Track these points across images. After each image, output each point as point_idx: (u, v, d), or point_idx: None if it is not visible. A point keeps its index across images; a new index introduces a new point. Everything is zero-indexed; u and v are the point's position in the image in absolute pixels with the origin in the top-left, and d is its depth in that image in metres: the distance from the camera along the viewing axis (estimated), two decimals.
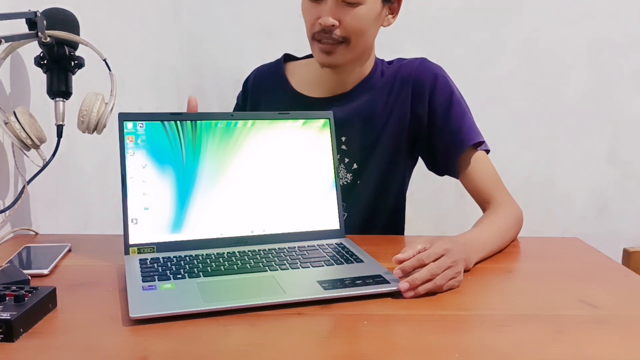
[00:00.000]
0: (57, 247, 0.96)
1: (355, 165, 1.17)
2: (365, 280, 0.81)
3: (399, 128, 1.16)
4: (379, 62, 1.20)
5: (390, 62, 1.21)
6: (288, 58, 1.27)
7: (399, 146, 1.17)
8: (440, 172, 1.19)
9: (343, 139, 1.16)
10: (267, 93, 1.23)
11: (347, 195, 1.17)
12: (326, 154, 1.01)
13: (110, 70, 0.99)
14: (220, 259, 0.87)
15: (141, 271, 0.82)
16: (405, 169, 1.21)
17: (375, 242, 1.03)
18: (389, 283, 0.80)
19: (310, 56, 1.23)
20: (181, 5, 1.99)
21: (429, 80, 1.14)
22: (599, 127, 2.10)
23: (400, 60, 1.20)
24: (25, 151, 1.01)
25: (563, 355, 0.65)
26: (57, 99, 1.02)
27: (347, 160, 1.17)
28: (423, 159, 1.22)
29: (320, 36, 1.08)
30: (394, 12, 1.14)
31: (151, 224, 0.90)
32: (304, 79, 1.20)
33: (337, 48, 1.09)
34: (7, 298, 0.69)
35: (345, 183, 1.17)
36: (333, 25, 1.06)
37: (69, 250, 0.97)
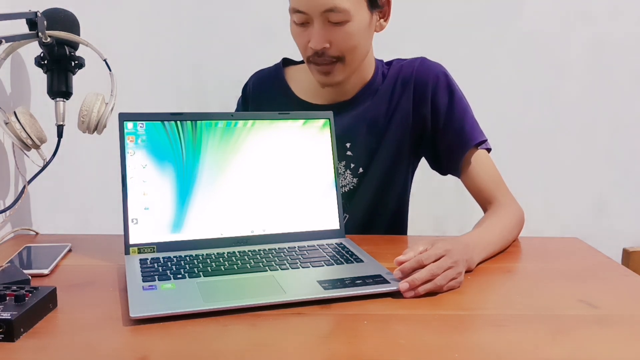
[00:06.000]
0: (58, 247, 0.96)
1: (361, 170, 1.17)
2: (365, 280, 0.81)
3: (402, 129, 1.15)
4: (379, 64, 1.19)
5: (389, 63, 1.20)
6: (287, 62, 1.26)
7: (402, 147, 1.16)
8: (443, 172, 1.19)
9: (348, 145, 1.16)
10: (269, 100, 1.22)
11: (351, 197, 1.17)
12: (326, 153, 1.01)
13: (110, 70, 0.99)
14: (221, 259, 0.87)
15: (141, 271, 0.82)
16: (408, 168, 1.20)
17: (375, 242, 1.03)
18: (389, 283, 0.80)
19: None
20: (181, 5, 1.99)
21: (430, 80, 1.14)
22: (599, 127, 2.10)
23: (399, 60, 1.19)
24: (25, 151, 1.01)
25: (563, 355, 0.65)
26: (58, 99, 1.02)
27: (352, 165, 1.16)
28: (427, 158, 1.21)
29: (315, 59, 1.07)
30: (385, 15, 1.12)
31: (151, 223, 0.90)
32: (306, 86, 1.19)
33: (334, 67, 1.07)
34: (7, 298, 0.69)
35: (351, 188, 1.17)
36: (324, 48, 1.05)
37: (69, 250, 0.97)
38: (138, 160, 0.91)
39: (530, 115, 2.08)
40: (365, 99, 1.16)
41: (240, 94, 1.29)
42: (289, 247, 0.93)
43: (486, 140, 1.13)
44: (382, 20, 1.12)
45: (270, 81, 1.23)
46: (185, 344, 0.65)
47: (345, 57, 1.07)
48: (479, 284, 0.85)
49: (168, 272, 0.82)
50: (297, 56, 1.26)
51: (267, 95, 1.23)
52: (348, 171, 1.17)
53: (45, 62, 1.00)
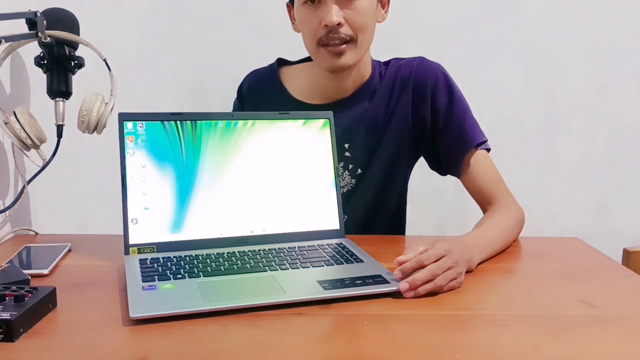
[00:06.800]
0: (57, 247, 0.96)
1: (359, 171, 1.17)
2: (365, 280, 0.81)
3: (401, 130, 1.15)
4: (376, 64, 1.19)
5: (386, 63, 1.20)
6: (281, 62, 1.25)
7: (401, 148, 1.16)
8: (443, 172, 1.19)
9: (346, 145, 1.15)
10: (265, 101, 1.21)
11: (349, 198, 1.17)
12: (326, 153, 1.01)
13: (110, 70, 0.99)
14: (220, 259, 0.87)
15: (141, 271, 0.82)
16: (407, 169, 1.21)
17: (375, 242, 1.03)
18: (389, 283, 0.80)
19: (304, 60, 1.22)
20: (181, 5, 1.99)
21: (430, 80, 1.14)
22: (599, 127, 2.10)
23: (397, 60, 1.19)
24: (25, 151, 1.01)
25: (563, 355, 0.65)
26: (57, 99, 1.02)
27: (351, 166, 1.16)
28: (426, 158, 1.21)
29: (328, 39, 1.06)
30: (384, 5, 1.14)
31: (151, 224, 0.90)
32: (302, 86, 1.19)
33: (346, 48, 1.07)
34: (7, 298, 0.69)
35: (350, 188, 1.17)
36: (339, 24, 1.04)
37: (69, 250, 0.97)
38: (138, 160, 0.91)
39: (530, 115, 2.09)
40: (363, 98, 1.16)
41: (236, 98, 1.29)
42: (289, 247, 0.93)
43: (486, 140, 1.13)
44: (383, 10, 1.14)
45: (266, 82, 1.23)
46: (185, 344, 0.65)
47: (358, 37, 1.07)
48: (479, 284, 0.85)
49: (168, 272, 0.82)
50: (292, 56, 1.26)
51: (262, 95, 1.22)
52: (347, 172, 1.16)
53: (45, 62, 1.00)
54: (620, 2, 2.02)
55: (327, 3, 1.04)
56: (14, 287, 0.72)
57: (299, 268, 0.85)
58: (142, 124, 0.92)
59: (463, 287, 0.83)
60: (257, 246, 0.93)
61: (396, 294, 0.79)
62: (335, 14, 1.04)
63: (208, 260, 0.87)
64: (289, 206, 0.97)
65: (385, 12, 1.14)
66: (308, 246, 0.94)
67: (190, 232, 0.92)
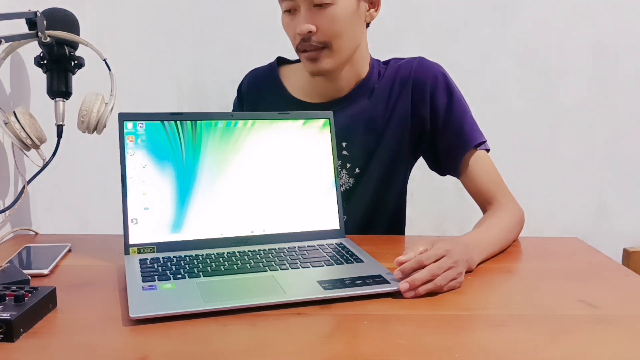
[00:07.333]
0: (57, 247, 0.96)
1: (357, 170, 1.16)
2: (365, 280, 0.81)
3: (400, 130, 1.15)
4: (375, 62, 1.18)
5: (386, 63, 1.20)
6: (281, 61, 1.26)
7: (401, 148, 1.16)
8: (442, 172, 1.19)
9: (344, 144, 1.15)
10: (264, 99, 1.22)
11: (348, 198, 1.17)
12: (326, 153, 1.01)
13: (110, 70, 0.99)
14: (220, 259, 0.87)
15: (141, 271, 0.82)
16: (406, 169, 1.20)
17: (375, 242, 1.03)
18: (389, 283, 0.80)
19: None
20: (181, 5, 1.99)
21: (429, 80, 1.13)
22: (599, 127, 2.10)
23: (397, 60, 1.19)
24: (25, 151, 1.01)
25: (563, 355, 0.65)
26: (57, 99, 1.02)
27: (349, 165, 1.16)
28: (425, 159, 1.21)
29: (303, 46, 1.08)
30: (375, 5, 1.12)
31: (151, 224, 0.90)
32: (301, 85, 1.19)
33: (321, 54, 1.07)
34: (7, 298, 0.69)
35: (347, 187, 1.17)
36: (310, 32, 1.05)
37: (69, 250, 0.97)
38: (138, 160, 0.91)
39: (531, 116, 2.09)
40: (361, 96, 1.16)
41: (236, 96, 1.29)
42: (289, 247, 0.93)
43: (485, 140, 1.13)
44: (372, 10, 1.12)
45: (265, 80, 1.23)
46: (185, 344, 0.65)
47: (332, 43, 1.07)
48: (479, 284, 0.85)
49: (168, 272, 0.82)
50: (293, 55, 1.26)
51: (262, 94, 1.23)
52: (344, 171, 1.16)
53: (45, 62, 1.00)
54: (620, 2, 2.02)
55: (300, 10, 1.05)
56: (14, 287, 0.72)
57: (299, 268, 0.85)
58: (142, 124, 0.92)
59: (463, 287, 0.83)
60: (257, 246, 0.93)
61: (396, 294, 0.79)
62: (304, 23, 1.05)
63: (208, 260, 0.87)
64: (289, 206, 0.97)
65: (376, 10, 1.12)
66: (308, 246, 0.94)
67: (190, 232, 0.92)
